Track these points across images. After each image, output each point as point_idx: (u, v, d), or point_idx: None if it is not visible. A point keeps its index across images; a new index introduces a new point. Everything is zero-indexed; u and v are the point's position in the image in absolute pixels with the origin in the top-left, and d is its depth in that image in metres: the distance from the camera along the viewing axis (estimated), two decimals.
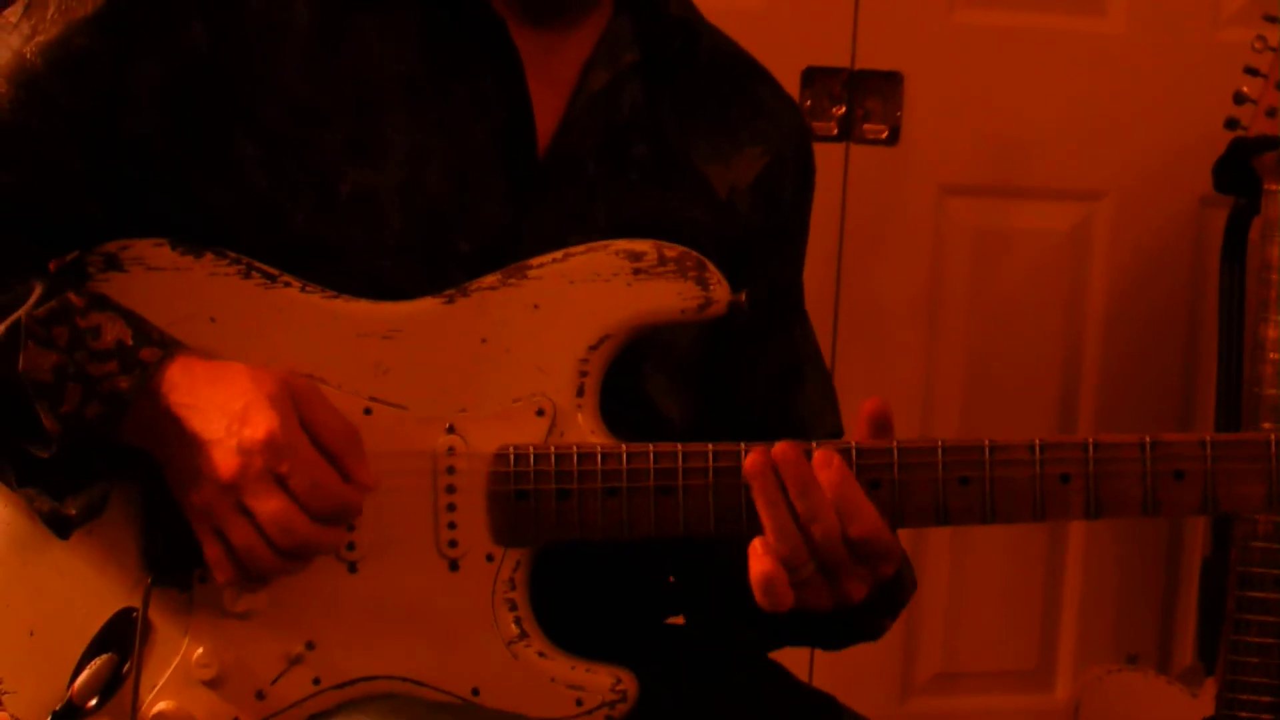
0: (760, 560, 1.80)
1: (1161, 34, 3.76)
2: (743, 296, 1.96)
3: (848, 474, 1.82)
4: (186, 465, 1.83)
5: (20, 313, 1.82)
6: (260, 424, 1.76)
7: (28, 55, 1.94)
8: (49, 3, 1.96)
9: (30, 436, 1.84)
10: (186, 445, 1.82)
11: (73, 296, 1.83)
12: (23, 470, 1.88)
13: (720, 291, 1.94)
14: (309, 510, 1.78)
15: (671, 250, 1.94)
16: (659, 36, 2.13)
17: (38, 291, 1.84)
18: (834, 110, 3.57)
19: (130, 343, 1.83)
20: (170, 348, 1.85)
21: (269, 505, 1.77)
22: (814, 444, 1.87)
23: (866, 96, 3.61)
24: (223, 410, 1.79)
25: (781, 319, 2.24)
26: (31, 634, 1.96)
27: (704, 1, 2.23)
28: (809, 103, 3.54)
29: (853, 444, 1.88)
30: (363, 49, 2.00)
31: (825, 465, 1.81)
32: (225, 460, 1.78)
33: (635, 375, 2.05)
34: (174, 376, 1.83)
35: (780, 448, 1.81)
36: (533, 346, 1.94)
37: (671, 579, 2.23)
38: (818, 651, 2.18)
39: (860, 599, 1.85)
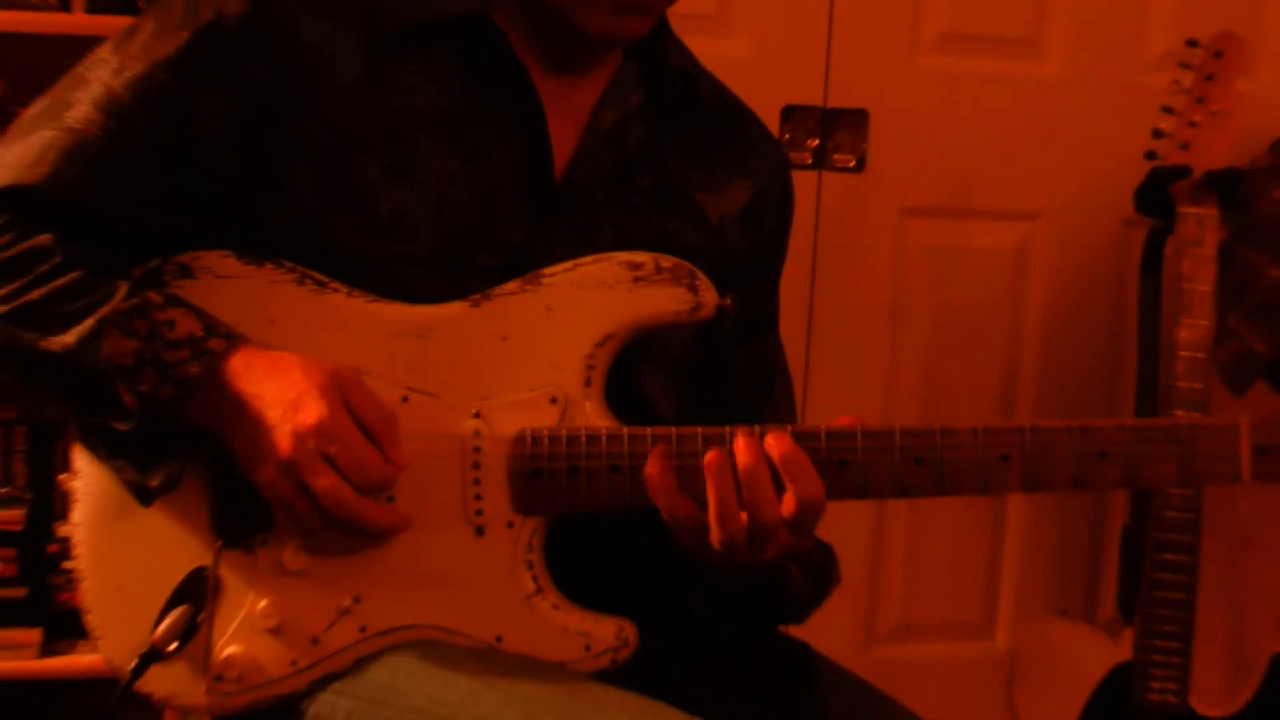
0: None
1: (1092, 78, 3.76)
2: (728, 300, 1.96)
3: (794, 446, 1.82)
4: (251, 445, 1.84)
5: (106, 309, 1.83)
6: (312, 411, 1.78)
7: (116, 88, 1.95)
8: (134, 41, 1.97)
9: (114, 413, 1.85)
10: (250, 428, 1.83)
11: (152, 295, 1.85)
12: (111, 444, 1.90)
13: (709, 296, 1.94)
14: (354, 483, 1.80)
15: (667, 261, 1.94)
16: (661, 82, 2.12)
17: (122, 291, 1.85)
18: (809, 143, 3.56)
19: (200, 334, 1.85)
20: (234, 340, 1.86)
21: (322, 482, 1.79)
22: (790, 427, 1.87)
23: (837, 131, 3.60)
24: (280, 399, 1.80)
25: (759, 332, 2.23)
26: (120, 589, 1.97)
27: (699, 49, 2.21)
28: (788, 136, 3.53)
29: (822, 428, 1.88)
30: (405, 88, 1.99)
31: (776, 439, 1.82)
32: (283, 442, 1.79)
33: (634, 375, 2.04)
34: (237, 366, 1.84)
35: (740, 444, 1.82)
36: (547, 344, 1.94)
37: None
38: None
39: (770, 559, 1.87)
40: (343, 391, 1.83)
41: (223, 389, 1.84)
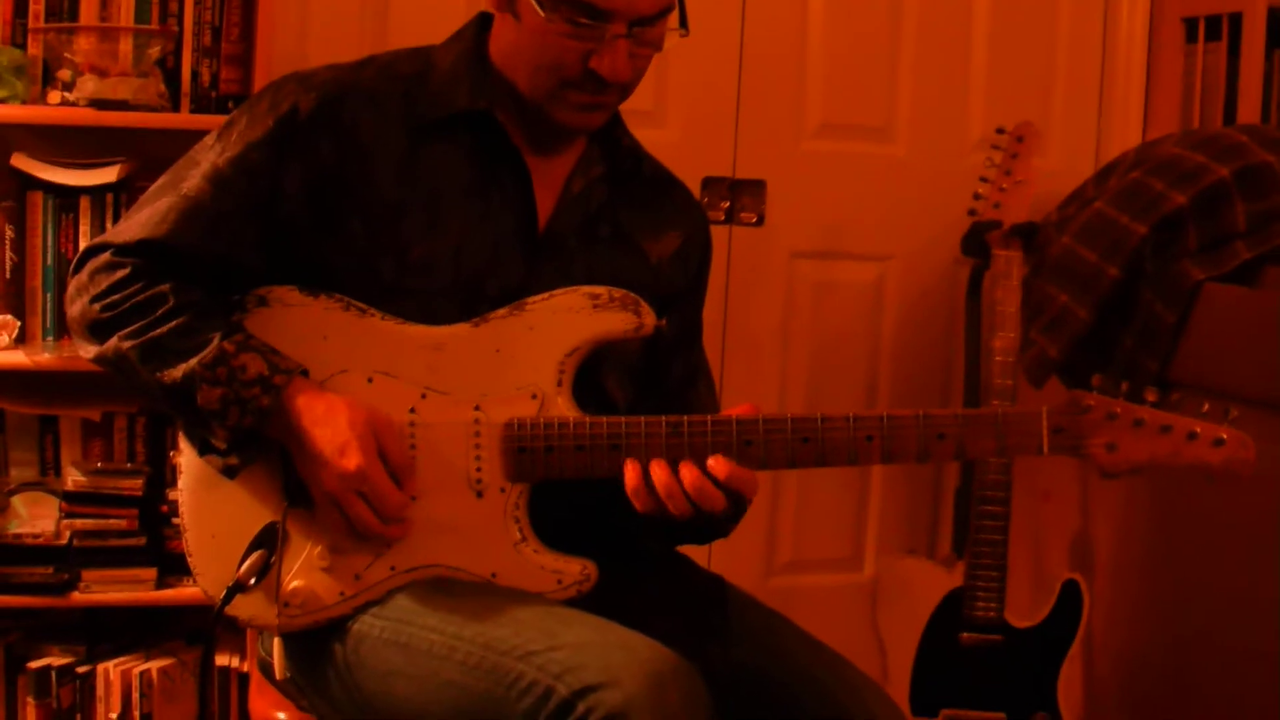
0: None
1: (929, 156, 3.77)
2: (663, 323, 2.00)
3: (733, 467, 1.89)
4: (307, 469, 1.90)
5: (197, 360, 1.87)
6: (352, 459, 1.86)
7: (220, 164, 1.97)
8: (232, 130, 2.00)
9: (210, 432, 1.92)
10: (306, 457, 1.89)
11: (227, 345, 1.88)
12: (204, 443, 1.96)
13: (649, 319, 1.96)
14: (379, 512, 1.89)
15: (618, 292, 1.96)
16: (616, 158, 2.14)
17: (214, 342, 1.88)
18: (722, 204, 3.55)
19: (267, 374, 1.88)
20: (292, 374, 1.89)
21: (354, 510, 1.89)
22: (710, 417, 1.91)
23: (743, 196, 3.59)
24: (331, 442, 1.87)
25: (687, 343, 2.24)
26: (213, 538, 1.99)
27: (642, 135, 2.23)
28: (706, 200, 3.52)
29: (734, 418, 1.90)
30: (433, 165, 2.01)
31: (716, 463, 1.89)
32: (329, 479, 1.87)
33: (598, 372, 2.05)
34: (299, 404, 1.89)
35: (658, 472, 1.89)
36: (529, 354, 1.95)
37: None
38: (715, 545, 2.16)
39: (719, 511, 1.90)
40: (377, 437, 1.89)
41: (287, 419, 1.89)
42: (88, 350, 1.96)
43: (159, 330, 1.89)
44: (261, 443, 1.92)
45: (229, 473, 1.95)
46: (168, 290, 1.91)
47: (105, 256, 1.96)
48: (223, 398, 1.86)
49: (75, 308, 1.97)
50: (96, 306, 1.93)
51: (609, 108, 2.03)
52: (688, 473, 1.88)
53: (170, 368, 1.88)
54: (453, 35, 2.11)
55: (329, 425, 1.87)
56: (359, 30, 3.28)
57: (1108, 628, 3.31)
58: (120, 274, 1.93)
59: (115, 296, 1.92)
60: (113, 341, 1.91)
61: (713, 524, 2.01)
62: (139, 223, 1.97)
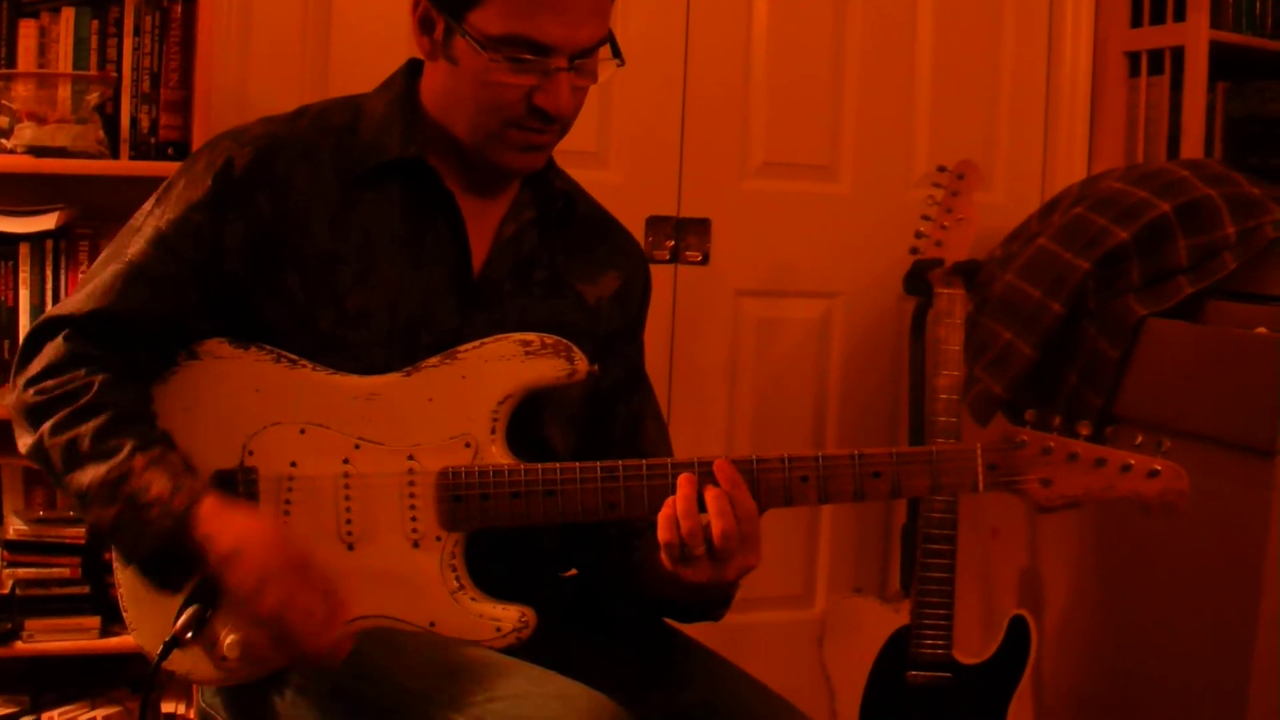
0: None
1: (873, 193, 3.78)
2: (595, 368, 1.99)
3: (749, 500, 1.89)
4: (233, 594, 1.84)
5: (103, 468, 1.85)
6: (271, 598, 1.79)
7: (163, 228, 1.96)
8: (171, 194, 2.00)
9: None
10: (229, 587, 1.84)
11: (138, 458, 1.86)
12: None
13: (581, 365, 1.96)
14: (304, 631, 1.81)
15: (549, 339, 1.96)
16: (547, 202, 2.13)
17: (125, 450, 1.86)
18: (667, 244, 3.56)
19: (166, 496, 1.84)
20: (195, 497, 1.85)
21: (272, 651, 1.85)
22: (645, 461, 1.91)
23: (688, 235, 3.59)
24: (248, 577, 1.81)
25: (630, 385, 2.22)
26: (149, 591, 1.95)
27: (585, 178, 2.24)
28: (650, 239, 3.53)
29: (669, 461, 1.92)
30: (366, 215, 2.01)
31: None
32: (251, 613, 1.82)
33: (537, 420, 2.05)
34: (203, 529, 1.84)
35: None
36: (461, 403, 1.94)
37: (574, 570, 2.22)
38: None
39: (732, 578, 1.90)
40: (295, 570, 1.83)
41: (194, 542, 1.84)
42: (21, 440, 1.95)
43: (80, 428, 1.88)
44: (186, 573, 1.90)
45: (170, 587, 1.93)
46: (97, 383, 1.90)
47: (63, 333, 1.96)
48: (117, 516, 1.84)
49: (13, 395, 1.96)
50: (30, 391, 1.93)
51: (549, 147, 2.02)
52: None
53: (81, 471, 1.87)
54: (383, 84, 2.10)
55: (244, 558, 1.82)
56: (299, 75, 3.27)
57: (1057, 663, 3.32)
58: (60, 355, 1.94)
59: (48, 382, 1.92)
60: (40, 434, 1.90)
61: (708, 600, 2.03)
62: (88, 294, 1.96)
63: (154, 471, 1.85)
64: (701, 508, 1.86)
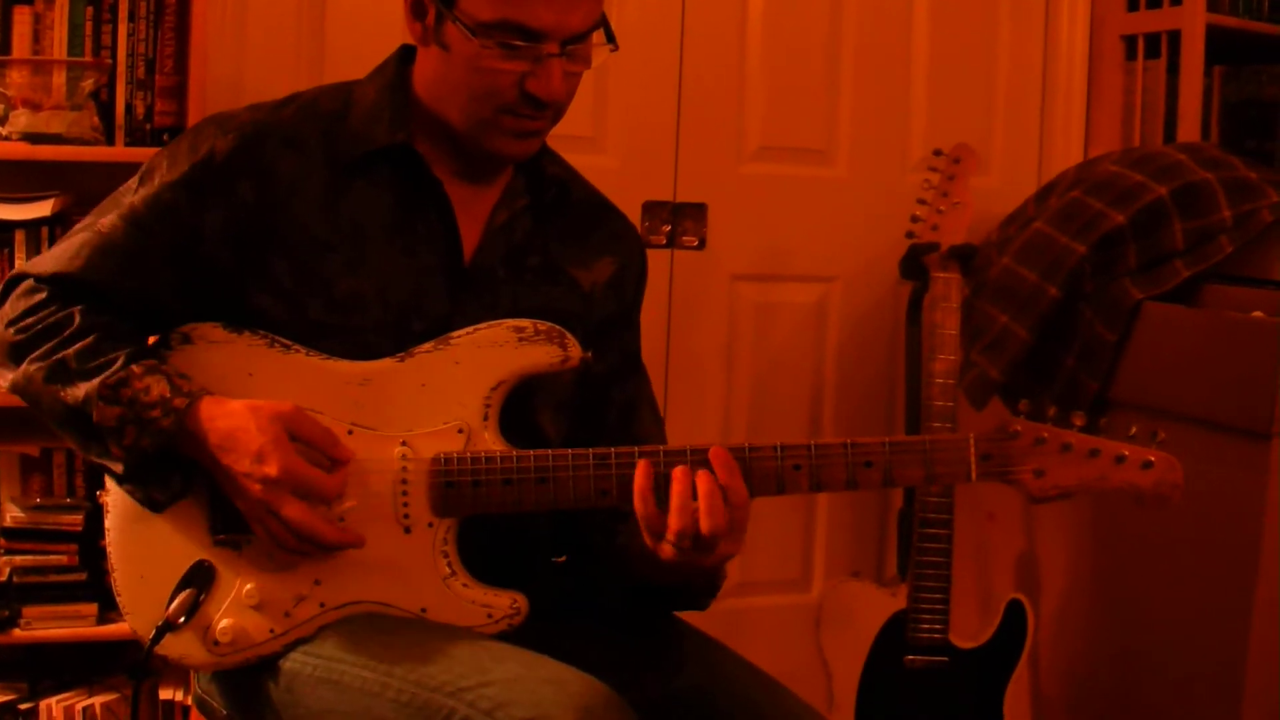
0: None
1: (869, 177, 3.78)
2: (589, 355, 1.99)
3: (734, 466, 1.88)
4: (230, 484, 1.87)
5: (98, 380, 1.86)
6: (273, 462, 1.83)
7: (136, 204, 1.97)
8: (153, 172, 2.00)
9: (110, 458, 1.90)
10: (227, 473, 1.86)
11: (135, 367, 1.87)
12: (116, 475, 1.93)
13: (575, 351, 1.96)
14: (314, 498, 1.86)
15: (543, 325, 1.96)
16: (540, 188, 2.12)
17: (119, 361, 1.87)
18: (663, 229, 3.55)
19: (168, 395, 1.86)
20: (194, 397, 1.88)
21: (289, 511, 1.85)
22: (637, 449, 1.90)
23: (684, 219, 3.59)
24: (246, 451, 1.84)
25: (625, 371, 2.22)
26: (142, 577, 1.96)
27: (581, 163, 2.24)
28: (647, 224, 3.52)
29: (661, 449, 1.90)
30: (356, 202, 2.01)
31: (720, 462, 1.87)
32: (254, 487, 1.84)
33: (529, 407, 2.05)
34: (202, 419, 1.87)
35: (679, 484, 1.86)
36: (454, 389, 1.94)
37: (563, 558, 2.22)
38: None
39: (710, 565, 1.91)
40: (289, 429, 1.86)
41: (195, 442, 1.87)
42: (4, 378, 1.96)
43: (65, 351, 1.89)
44: (188, 467, 1.91)
45: (154, 508, 1.92)
46: (76, 312, 1.92)
47: (26, 283, 1.98)
48: (120, 417, 1.86)
49: None
50: (10, 330, 1.94)
51: (542, 133, 2.02)
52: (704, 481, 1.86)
53: (72, 387, 1.88)
54: (375, 70, 2.10)
55: (238, 438, 1.85)
56: (294, 61, 3.27)
57: (1054, 647, 3.32)
58: (36, 298, 1.95)
59: (29, 320, 1.93)
60: (24, 366, 1.92)
61: (692, 587, 2.03)
62: (54, 256, 1.98)
63: (153, 377, 1.87)
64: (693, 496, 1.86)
